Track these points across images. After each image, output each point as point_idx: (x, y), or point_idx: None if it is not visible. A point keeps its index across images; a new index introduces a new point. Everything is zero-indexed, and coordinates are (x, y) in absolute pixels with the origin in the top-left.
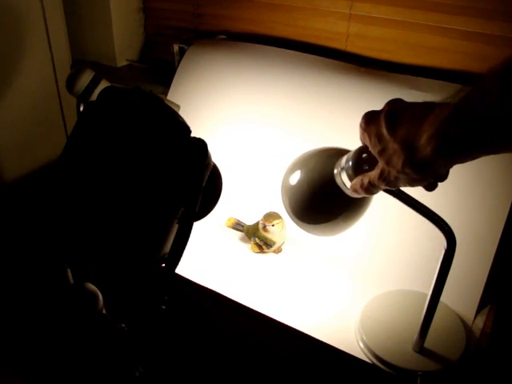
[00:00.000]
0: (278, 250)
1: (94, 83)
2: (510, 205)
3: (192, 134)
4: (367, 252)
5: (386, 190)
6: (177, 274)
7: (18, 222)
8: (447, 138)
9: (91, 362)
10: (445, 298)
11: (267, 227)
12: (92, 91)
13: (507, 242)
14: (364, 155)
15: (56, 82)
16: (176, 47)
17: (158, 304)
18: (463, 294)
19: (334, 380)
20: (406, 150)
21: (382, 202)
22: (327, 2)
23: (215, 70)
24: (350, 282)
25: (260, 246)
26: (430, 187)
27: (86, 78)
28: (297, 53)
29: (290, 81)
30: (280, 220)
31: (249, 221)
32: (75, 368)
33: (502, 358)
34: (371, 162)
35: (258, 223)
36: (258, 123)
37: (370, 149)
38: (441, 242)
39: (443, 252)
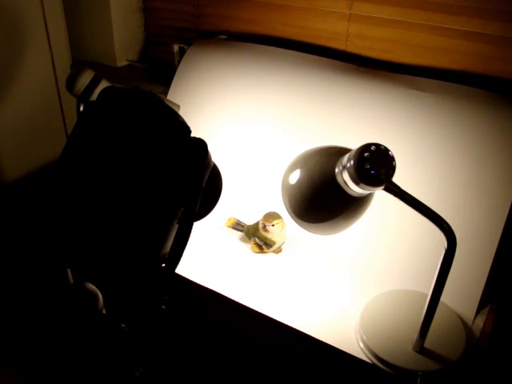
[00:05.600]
0: (278, 250)
1: (94, 83)
2: (510, 205)
3: (192, 134)
4: (367, 252)
5: (386, 189)
6: (177, 274)
7: (18, 222)
8: None
9: (91, 361)
10: (445, 297)
11: (267, 227)
12: (92, 91)
13: (507, 241)
14: (366, 154)
15: (56, 82)
16: (176, 47)
17: (158, 304)
18: (463, 294)
19: (334, 380)
20: None
21: (382, 202)
22: (327, 2)
23: (215, 70)
24: (349, 281)
25: (260, 246)
26: None
27: (86, 77)
28: (297, 53)
29: (289, 81)
30: (280, 220)
31: (249, 221)
32: (75, 368)
33: (502, 357)
34: (373, 161)
35: (258, 223)
36: (258, 123)
37: None
38: (441, 241)
39: (443, 252)
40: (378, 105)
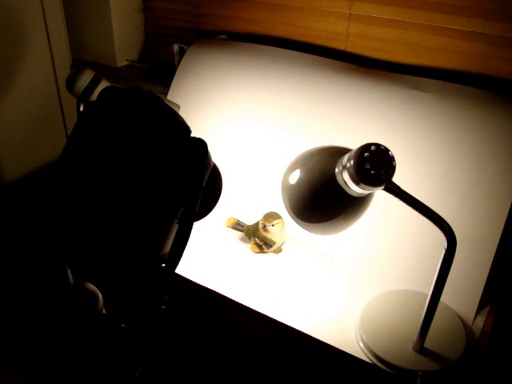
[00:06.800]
0: (278, 250)
1: (94, 83)
2: (510, 205)
3: (192, 134)
4: (367, 252)
5: (386, 189)
6: (177, 274)
7: (18, 222)
8: None
9: (91, 361)
10: (445, 297)
11: (267, 227)
12: (92, 91)
13: (507, 241)
14: (366, 154)
15: (56, 82)
16: (176, 47)
17: (158, 304)
18: (463, 294)
19: (334, 380)
20: None
21: (382, 202)
22: (327, 1)
23: (215, 70)
24: (350, 281)
25: (260, 246)
26: None
27: (86, 78)
28: (297, 53)
29: (289, 81)
30: (280, 220)
31: (249, 221)
32: (75, 368)
33: (502, 357)
34: (373, 161)
35: (258, 223)
36: (257, 123)
37: None
38: (441, 241)
39: (443, 252)
40: (378, 105)
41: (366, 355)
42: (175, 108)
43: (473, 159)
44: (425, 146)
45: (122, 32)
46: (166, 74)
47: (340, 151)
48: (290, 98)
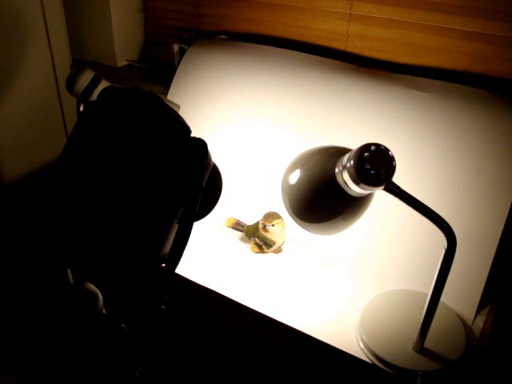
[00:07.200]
0: (278, 250)
1: (94, 83)
2: (510, 205)
3: (192, 134)
4: (367, 252)
5: (386, 190)
6: (177, 274)
7: (18, 222)
8: None
9: (91, 361)
10: (445, 297)
11: (267, 227)
12: (92, 91)
13: (507, 241)
14: (366, 154)
15: (56, 82)
16: (176, 47)
17: (158, 304)
18: (463, 294)
19: (334, 380)
20: None
21: (382, 202)
22: (327, 1)
23: (215, 70)
24: (350, 281)
25: (260, 246)
26: None
27: (86, 78)
28: (297, 53)
29: (289, 81)
30: (280, 220)
31: (249, 221)
32: (75, 368)
33: (502, 357)
34: (373, 161)
35: (258, 223)
36: (257, 123)
37: None
38: (441, 241)
39: (443, 252)
40: (378, 105)
41: (365, 355)
42: (175, 108)
43: (472, 159)
44: (425, 146)
45: (122, 32)
46: (166, 74)
47: (340, 151)
48: (290, 98)
